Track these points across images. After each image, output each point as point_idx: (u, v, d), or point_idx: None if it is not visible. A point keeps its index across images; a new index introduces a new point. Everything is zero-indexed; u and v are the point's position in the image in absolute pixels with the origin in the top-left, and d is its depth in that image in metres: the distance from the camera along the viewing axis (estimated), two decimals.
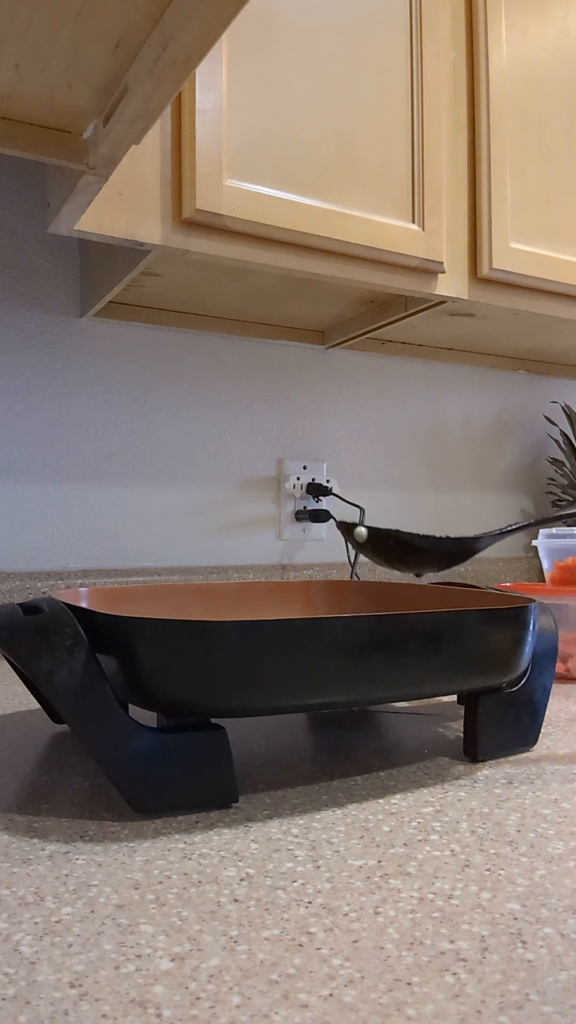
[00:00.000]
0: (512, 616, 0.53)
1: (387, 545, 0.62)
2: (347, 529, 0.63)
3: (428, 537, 0.62)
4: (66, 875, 0.36)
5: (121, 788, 0.43)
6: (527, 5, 1.06)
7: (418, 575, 0.65)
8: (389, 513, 1.40)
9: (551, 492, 1.51)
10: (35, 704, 0.72)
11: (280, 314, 1.21)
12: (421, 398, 1.44)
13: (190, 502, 1.23)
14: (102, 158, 0.65)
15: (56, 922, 0.32)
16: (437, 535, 0.63)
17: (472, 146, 1.04)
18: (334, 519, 0.64)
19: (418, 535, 0.63)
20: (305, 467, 1.31)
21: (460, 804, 0.45)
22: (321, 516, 1.29)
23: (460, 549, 0.62)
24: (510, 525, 0.64)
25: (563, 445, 1.51)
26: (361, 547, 0.62)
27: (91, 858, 0.38)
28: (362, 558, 1.36)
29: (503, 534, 0.63)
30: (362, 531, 0.62)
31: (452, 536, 0.62)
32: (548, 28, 1.08)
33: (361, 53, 0.93)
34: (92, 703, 0.43)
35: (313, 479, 1.31)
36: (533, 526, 0.64)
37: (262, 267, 0.89)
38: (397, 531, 0.63)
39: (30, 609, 0.47)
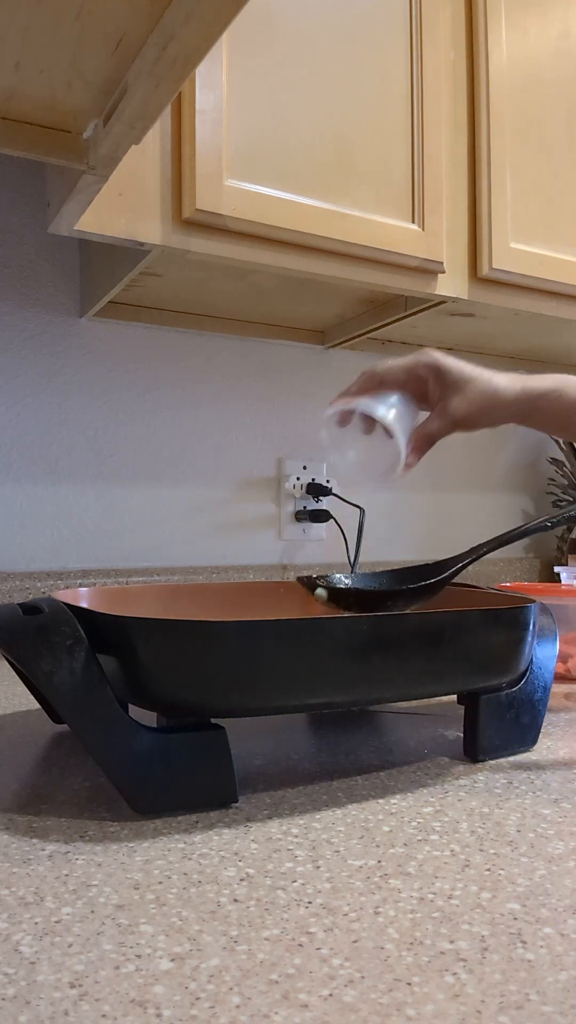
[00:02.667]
0: (512, 616, 0.53)
1: (348, 599, 0.61)
2: (309, 588, 0.62)
3: (386, 592, 0.60)
4: (66, 875, 0.36)
5: (121, 788, 0.43)
6: (527, 5, 1.06)
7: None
8: (389, 513, 1.40)
9: (551, 492, 1.51)
10: (35, 704, 0.72)
11: (280, 314, 1.21)
12: None
13: (190, 502, 1.23)
14: (102, 158, 0.65)
15: (56, 922, 0.32)
16: (395, 586, 0.60)
17: (472, 146, 1.04)
18: (299, 579, 0.63)
19: (374, 590, 0.61)
20: (305, 467, 1.31)
21: (460, 804, 0.45)
22: (321, 516, 1.28)
23: (423, 591, 0.59)
24: (475, 551, 0.61)
25: (563, 445, 1.51)
26: (325, 604, 0.61)
27: (91, 858, 0.38)
28: (362, 558, 1.36)
29: (463, 566, 0.60)
30: (322, 593, 0.60)
31: (410, 586, 0.59)
32: (548, 28, 1.08)
33: (361, 53, 0.93)
34: (92, 703, 0.43)
35: (313, 479, 1.31)
36: (499, 546, 0.61)
37: (262, 267, 0.89)
38: (355, 588, 0.61)
39: (30, 609, 0.47)
